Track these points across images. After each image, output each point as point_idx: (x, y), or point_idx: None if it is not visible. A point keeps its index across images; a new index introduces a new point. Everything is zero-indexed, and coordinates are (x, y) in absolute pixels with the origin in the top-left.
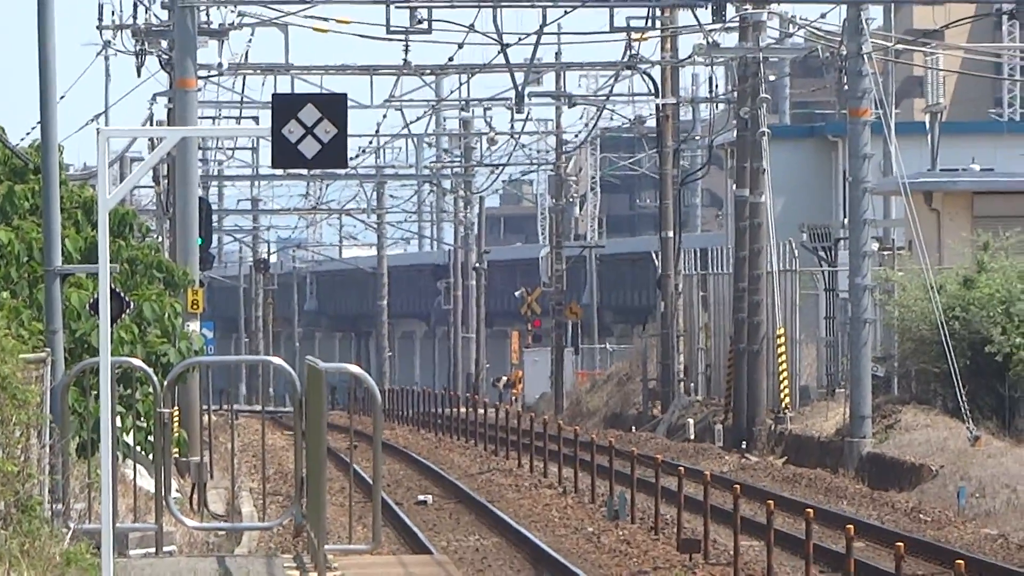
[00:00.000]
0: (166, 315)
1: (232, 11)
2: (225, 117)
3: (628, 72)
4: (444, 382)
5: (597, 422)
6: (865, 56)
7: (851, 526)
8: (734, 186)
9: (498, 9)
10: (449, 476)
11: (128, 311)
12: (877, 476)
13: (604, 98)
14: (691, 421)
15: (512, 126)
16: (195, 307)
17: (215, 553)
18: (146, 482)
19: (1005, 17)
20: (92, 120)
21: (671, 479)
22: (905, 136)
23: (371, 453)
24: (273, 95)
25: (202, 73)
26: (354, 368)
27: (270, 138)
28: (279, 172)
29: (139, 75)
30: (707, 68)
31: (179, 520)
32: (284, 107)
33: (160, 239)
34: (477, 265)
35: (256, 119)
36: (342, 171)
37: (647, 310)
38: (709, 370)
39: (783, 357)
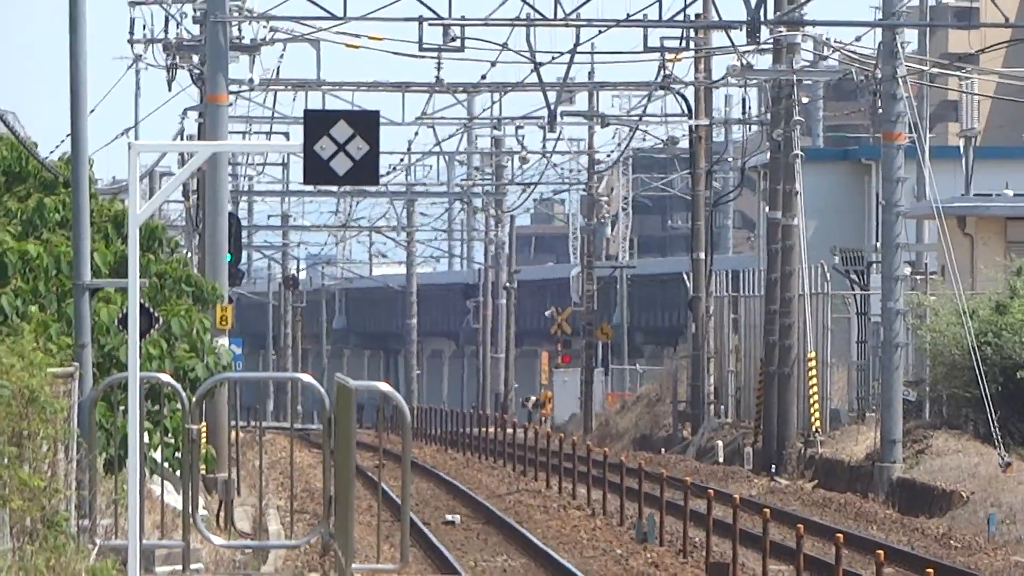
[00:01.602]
0: (194, 330)
1: (264, 26)
2: (256, 132)
3: (661, 92)
4: (472, 401)
5: (626, 443)
6: (900, 80)
7: (881, 551)
8: (767, 208)
9: (531, 28)
10: (477, 496)
11: (157, 326)
12: (907, 501)
13: (637, 118)
14: (720, 444)
15: (544, 145)
16: (224, 323)
17: (242, 571)
18: (173, 499)
19: None
20: (122, 134)
21: (700, 502)
22: (939, 160)
23: (399, 472)
24: (305, 111)
25: (233, 88)
26: (384, 386)
27: (302, 154)
28: (309, 188)
29: (170, 89)
30: (741, 89)
31: (206, 537)
32: (316, 123)
33: (189, 254)
34: (507, 284)
35: (287, 135)
36: (373, 188)
37: (678, 331)
38: (739, 392)
39: (814, 380)
